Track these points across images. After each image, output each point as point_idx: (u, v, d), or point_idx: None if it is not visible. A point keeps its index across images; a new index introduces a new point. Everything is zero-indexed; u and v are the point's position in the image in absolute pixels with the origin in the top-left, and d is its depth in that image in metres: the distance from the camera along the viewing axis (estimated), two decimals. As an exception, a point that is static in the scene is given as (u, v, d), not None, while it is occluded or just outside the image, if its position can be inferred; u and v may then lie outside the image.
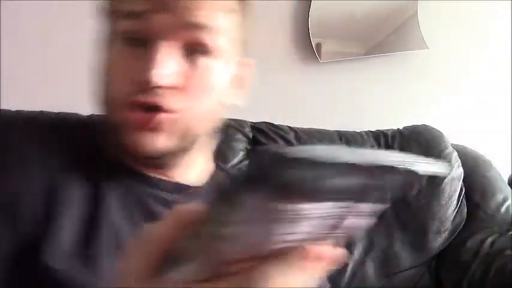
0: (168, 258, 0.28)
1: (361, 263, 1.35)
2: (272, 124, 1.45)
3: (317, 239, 0.27)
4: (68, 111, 1.32)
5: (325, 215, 0.25)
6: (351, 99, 1.66)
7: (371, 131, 1.50)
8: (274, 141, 1.41)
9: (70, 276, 0.49)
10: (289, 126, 1.46)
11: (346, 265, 1.34)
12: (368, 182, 0.23)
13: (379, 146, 1.45)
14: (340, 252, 0.30)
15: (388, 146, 1.45)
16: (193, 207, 0.29)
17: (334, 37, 1.65)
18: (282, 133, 1.43)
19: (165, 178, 0.59)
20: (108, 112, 0.57)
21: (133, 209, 0.56)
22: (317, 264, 0.28)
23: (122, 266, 0.31)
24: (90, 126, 0.63)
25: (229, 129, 1.38)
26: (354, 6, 1.65)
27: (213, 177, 0.65)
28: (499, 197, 1.41)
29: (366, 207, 0.26)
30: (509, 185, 1.47)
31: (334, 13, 1.64)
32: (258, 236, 0.25)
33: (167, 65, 0.51)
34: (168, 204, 0.57)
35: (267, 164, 0.21)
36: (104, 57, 0.58)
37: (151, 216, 0.55)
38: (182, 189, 0.59)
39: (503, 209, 1.40)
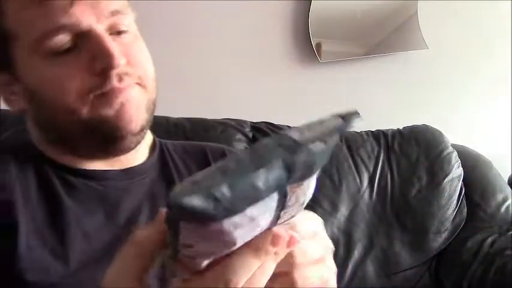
0: (153, 264, 0.32)
1: (361, 263, 1.35)
2: (272, 124, 1.45)
3: (272, 223, 0.30)
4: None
5: (269, 208, 0.28)
6: (351, 99, 1.66)
7: (371, 131, 1.50)
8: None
9: (47, 284, 0.52)
10: (289, 126, 1.46)
11: (346, 265, 1.34)
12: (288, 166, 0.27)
13: (378, 145, 1.45)
14: (295, 237, 0.33)
15: (388, 146, 1.45)
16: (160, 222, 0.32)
17: (334, 37, 1.65)
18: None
19: (114, 168, 0.63)
20: (68, 120, 0.58)
21: (94, 204, 0.60)
22: (279, 247, 0.31)
23: (113, 267, 0.34)
24: (32, 148, 0.65)
25: (229, 129, 1.38)
26: (354, 6, 1.65)
27: (154, 150, 0.70)
28: (499, 197, 1.41)
29: (298, 184, 0.29)
30: (509, 185, 1.47)
31: (334, 13, 1.64)
32: (211, 249, 0.29)
33: (115, 47, 0.56)
34: (123, 189, 0.62)
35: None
36: (37, 80, 0.59)
37: (112, 205, 0.61)
38: (135, 172, 0.65)
39: (503, 209, 1.40)
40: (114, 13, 0.58)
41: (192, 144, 0.77)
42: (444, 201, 1.39)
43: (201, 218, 0.26)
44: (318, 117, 0.31)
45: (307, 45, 1.61)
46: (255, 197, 0.26)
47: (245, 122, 1.43)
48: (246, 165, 0.26)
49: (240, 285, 0.30)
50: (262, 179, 0.26)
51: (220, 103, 1.57)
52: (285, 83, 1.62)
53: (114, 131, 0.58)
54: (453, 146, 1.47)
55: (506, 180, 1.49)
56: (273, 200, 0.28)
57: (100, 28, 0.57)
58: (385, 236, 1.37)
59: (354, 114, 0.31)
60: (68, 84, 0.56)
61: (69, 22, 0.55)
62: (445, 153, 1.44)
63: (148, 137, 0.69)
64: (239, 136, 1.38)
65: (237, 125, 1.40)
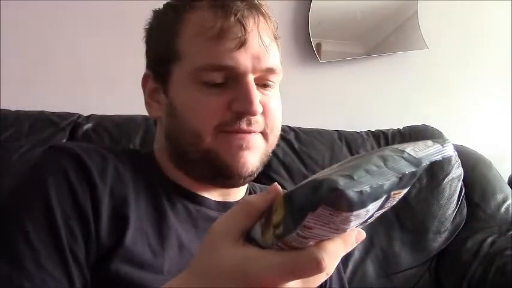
0: (253, 232, 0.37)
1: (361, 263, 1.35)
2: (272, 124, 1.45)
3: (366, 221, 0.35)
4: (67, 111, 1.33)
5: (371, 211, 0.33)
6: (351, 99, 1.66)
7: (371, 131, 1.50)
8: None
9: (141, 284, 0.56)
10: (289, 126, 1.46)
11: (346, 265, 1.34)
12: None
13: (379, 146, 1.45)
14: (364, 232, 0.38)
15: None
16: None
17: (334, 37, 1.65)
18: (282, 133, 1.42)
19: (214, 198, 0.69)
20: (192, 143, 0.65)
21: (189, 225, 0.65)
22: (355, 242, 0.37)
23: (223, 218, 0.38)
24: (150, 157, 0.73)
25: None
26: (354, 6, 1.65)
27: (248, 193, 0.76)
28: (499, 197, 1.41)
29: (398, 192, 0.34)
30: (509, 185, 1.47)
31: (334, 13, 1.64)
32: (326, 233, 0.33)
33: (258, 97, 0.64)
34: (211, 219, 0.65)
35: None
36: (182, 100, 0.66)
37: (200, 232, 0.65)
38: (227, 207, 0.68)
39: (503, 209, 1.40)
40: (268, 70, 0.66)
41: None
42: (444, 201, 1.39)
43: (345, 207, 0.30)
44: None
45: (307, 45, 1.61)
46: (378, 196, 0.32)
47: (245, 122, 1.43)
48: (384, 172, 0.32)
49: (329, 268, 0.34)
50: (390, 185, 0.32)
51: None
52: (284, 83, 1.61)
53: (225, 168, 0.64)
54: (453, 146, 1.47)
55: (506, 180, 1.49)
56: (381, 201, 0.33)
57: (251, 78, 0.64)
58: (385, 236, 1.37)
59: (447, 141, 0.37)
60: (205, 113, 0.64)
61: (230, 65, 0.62)
62: (445, 153, 1.44)
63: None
64: (239, 136, 1.38)
65: (237, 125, 1.40)
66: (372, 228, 1.37)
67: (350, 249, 0.36)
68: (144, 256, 0.58)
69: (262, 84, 0.67)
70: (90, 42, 1.43)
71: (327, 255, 0.34)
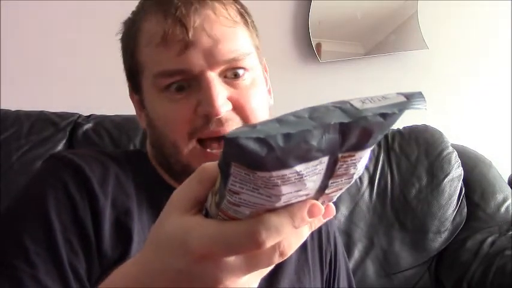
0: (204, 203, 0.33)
1: (361, 263, 1.35)
2: (272, 124, 1.45)
3: (319, 191, 0.30)
4: (67, 111, 1.33)
5: (317, 171, 0.28)
6: (351, 99, 1.66)
7: (371, 131, 1.50)
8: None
9: None
10: (289, 126, 1.46)
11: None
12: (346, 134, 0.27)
13: (379, 145, 1.45)
14: (332, 208, 0.33)
15: (388, 146, 1.45)
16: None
17: (334, 37, 1.65)
18: (282, 133, 1.43)
19: None
20: (172, 153, 0.63)
21: None
22: (315, 218, 0.31)
23: (180, 187, 0.35)
24: (148, 160, 0.71)
25: (229, 129, 1.38)
26: (354, 6, 1.65)
27: None
28: (499, 197, 1.41)
29: (354, 154, 0.29)
30: (509, 185, 1.47)
31: (334, 13, 1.64)
32: (256, 200, 0.29)
33: (222, 94, 0.60)
34: None
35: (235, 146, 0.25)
36: (154, 111, 0.65)
37: None
38: None
39: (503, 209, 1.40)
40: (230, 60, 0.61)
41: None
42: (444, 201, 1.39)
43: (252, 162, 0.26)
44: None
45: (307, 45, 1.61)
46: (306, 154, 0.26)
47: (245, 122, 1.43)
48: (304, 121, 0.26)
49: (268, 244, 0.30)
50: (317, 137, 0.26)
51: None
52: (285, 83, 1.62)
53: None
54: (453, 146, 1.47)
55: (506, 180, 1.49)
56: (323, 164, 0.28)
57: (211, 75, 0.60)
58: (385, 236, 1.37)
59: (418, 95, 0.31)
60: (175, 121, 0.61)
61: (181, 68, 0.60)
62: (445, 153, 1.44)
63: None
64: (239, 136, 1.38)
65: (237, 125, 1.40)
66: (372, 228, 1.37)
67: (302, 223, 0.31)
68: None
69: (233, 74, 0.63)
70: (91, 42, 1.43)
71: (264, 228, 0.29)
